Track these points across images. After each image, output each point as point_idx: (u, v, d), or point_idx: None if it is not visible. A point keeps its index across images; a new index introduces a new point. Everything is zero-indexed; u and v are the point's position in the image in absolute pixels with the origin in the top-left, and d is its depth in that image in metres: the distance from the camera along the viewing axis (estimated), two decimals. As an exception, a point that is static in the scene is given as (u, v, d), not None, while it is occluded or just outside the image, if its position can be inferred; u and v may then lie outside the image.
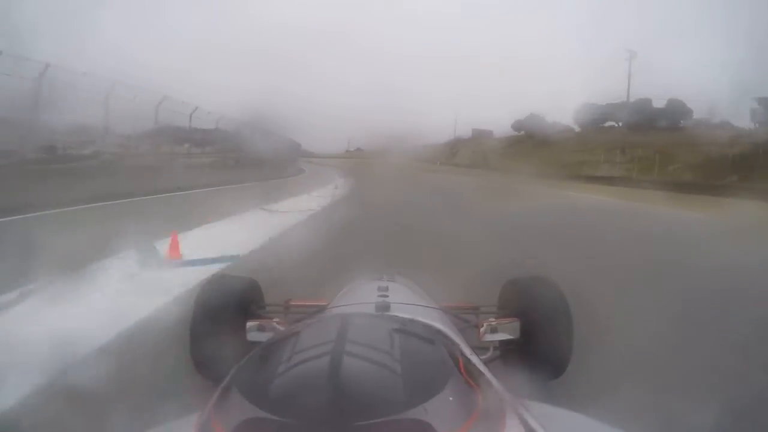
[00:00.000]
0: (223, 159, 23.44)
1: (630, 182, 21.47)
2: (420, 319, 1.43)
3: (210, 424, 0.65)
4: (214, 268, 4.37)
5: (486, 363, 1.23)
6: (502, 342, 2.14)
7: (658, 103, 37.87)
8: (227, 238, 6.19)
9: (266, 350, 0.79)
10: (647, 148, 28.02)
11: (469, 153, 45.07)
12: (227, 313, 2.14)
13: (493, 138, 47.77)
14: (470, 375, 0.75)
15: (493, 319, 2.22)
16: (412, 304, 1.67)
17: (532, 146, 36.52)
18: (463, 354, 1.26)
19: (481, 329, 2.10)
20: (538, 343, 2.06)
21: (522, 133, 44.87)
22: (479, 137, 48.64)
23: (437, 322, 1.46)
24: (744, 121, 32.48)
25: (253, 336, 2.14)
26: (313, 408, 0.61)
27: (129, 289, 3.71)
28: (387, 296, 1.71)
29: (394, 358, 0.70)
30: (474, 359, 1.21)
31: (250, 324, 2.16)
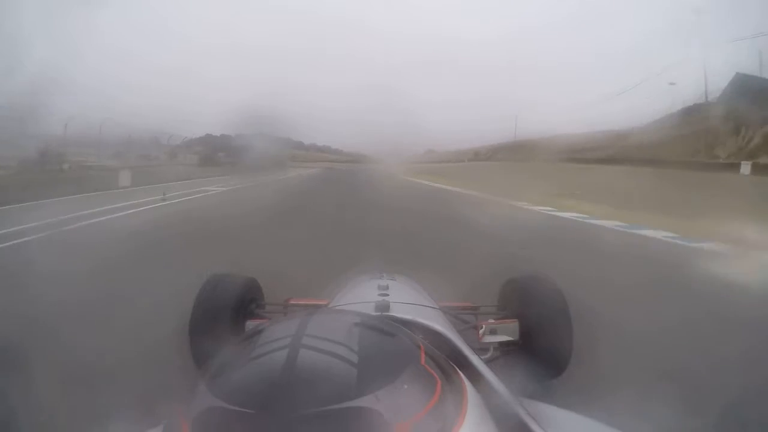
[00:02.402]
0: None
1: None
2: (419, 319, 1.43)
3: (177, 415, 0.69)
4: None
5: (486, 363, 1.22)
6: (501, 342, 2.14)
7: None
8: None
9: (235, 346, 0.82)
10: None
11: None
12: (227, 313, 2.14)
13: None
14: (433, 366, 0.76)
15: (493, 320, 2.22)
16: (412, 303, 1.67)
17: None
18: (457, 350, 1.26)
19: (481, 331, 2.10)
20: (538, 343, 2.06)
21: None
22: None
23: (437, 321, 1.46)
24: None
25: None
26: (265, 397, 0.63)
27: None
28: (387, 295, 1.71)
29: (351, 350, 0.71)
30: (473, 358, 1.21)
31: (249, 324, 2.16)
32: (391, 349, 0.78)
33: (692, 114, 28.15)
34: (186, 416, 0.67)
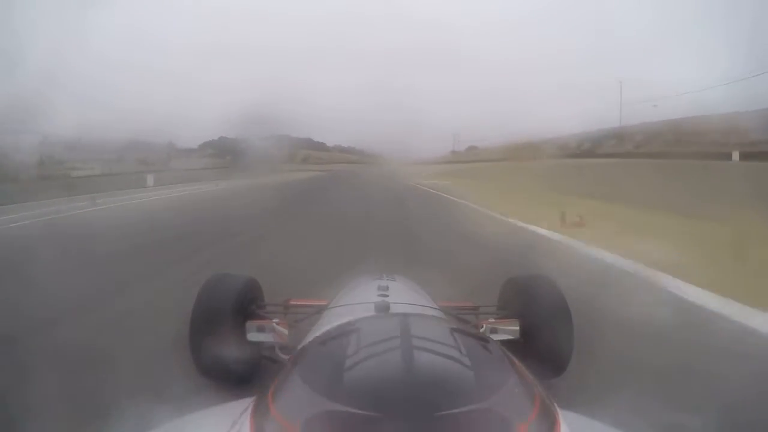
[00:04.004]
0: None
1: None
2: None
3: (269, 413, 0.65)
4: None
5: None
6: (502, 342, 2.13)
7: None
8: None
9: (327, 341, 0.80)
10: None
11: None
12: (227, 313, 2.13)
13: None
14: (524, 371, 0.78)
15: (493, 320, 2.21)
16: (411, 303, 1.66)
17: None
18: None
19: (481, 330, 2.10)
20: (538, 343, 2.06)
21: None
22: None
23: None
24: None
25: (252, 336, 2.13)
26: (390, 400, 0.61)
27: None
28: (387, 296, 1.71)
29: (461, 353, 0.71)
30: None
31: (249, 324, 2.16)
32: (492, 354, 0.79)
33: None
34: (286, 413, 0.63)
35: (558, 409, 0.73)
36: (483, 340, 0.84)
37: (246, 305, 2.27)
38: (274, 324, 2.13)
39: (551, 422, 0.67)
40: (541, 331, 2.07)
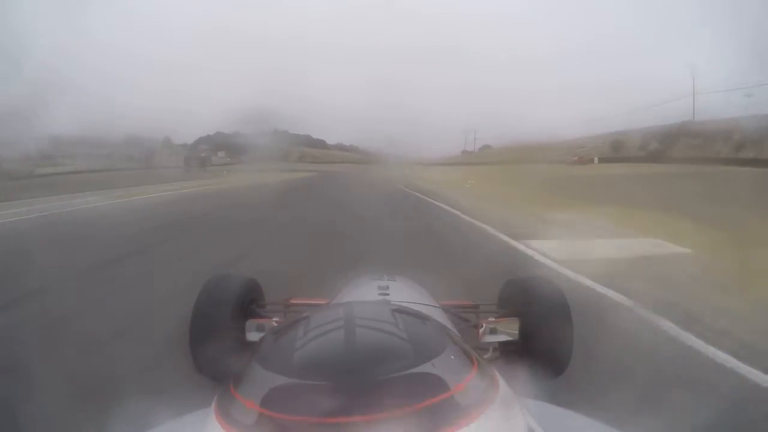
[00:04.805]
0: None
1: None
2: None
3: (231, 395, 0.71)
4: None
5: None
6: (501, 342, 2.14)
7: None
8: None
9: (279, 331, 0.89)
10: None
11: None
12: (227, 313, 2.14)
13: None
14: (461, 344, 0.85)
15: (493, 319, 2.22)
16: (412, 302, 1.67)
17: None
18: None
19: (481, 330, 2.10)
20: (538, 343, 2.06)
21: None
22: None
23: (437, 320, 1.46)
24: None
25: (252, 336, 2.14)
26: (335, 368, 0.69)
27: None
28: (387, 295, 1.72)
29: (399, 328, 0.80)
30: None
31: (249, 323, 2.17)
32: (431, 329, 0.89)
33: None
34: (246, 394, 0.69)
35: (498, 375, 0.79)
36: (423, 318, 0.93)
37: (246, 305, 2.28)
38: (274, 323, 2.13)
39: (490, 382, 0.74)
40: (540, 331, 2.07)
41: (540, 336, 2.07)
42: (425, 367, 0.69)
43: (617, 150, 33.29)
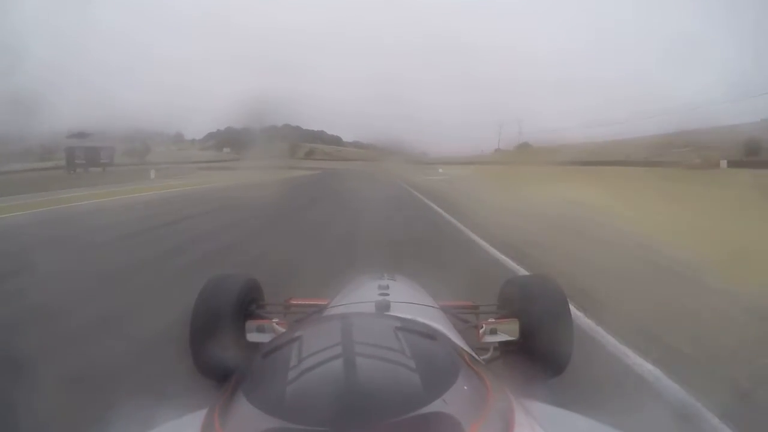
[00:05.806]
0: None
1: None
2: (420, 319, 1.43)
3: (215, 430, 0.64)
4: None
5: (486, 363, 1.23)
6: (501, 342, 2.14)
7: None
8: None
9: (270, 354, 0.78)
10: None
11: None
12: (227, 313, 2.14)
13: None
14: (475, 365, 0.77)
15: (493, 319, 2.22)
16: (412, 303, 1.67)
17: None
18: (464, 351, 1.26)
19: (481, 330, 2.10)
20: (538, 343, 2.06)
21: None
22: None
23: (437, 321, 1.46)
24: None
25: (252, 336, 2.14)
26: (332, 412, 0.60)
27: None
28: (387, 295, 1.71)
29: (403, 355, 0.69)
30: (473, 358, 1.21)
31: (249, 324, 2.17)
32: (439, 352, 0.77)
33: None
34: None
35: (513, 399, 0.72)
36: (430, 336, 0.83)
37: (246, 305, 2.28)
38: (274, 324, 2.13)
39: (505, 418, 0.66)
40: (540, 331, 2.07)
41: (540, 336, 2.07)
42: (435, 405, 0.61)
43: (753, 151, 23.19)
